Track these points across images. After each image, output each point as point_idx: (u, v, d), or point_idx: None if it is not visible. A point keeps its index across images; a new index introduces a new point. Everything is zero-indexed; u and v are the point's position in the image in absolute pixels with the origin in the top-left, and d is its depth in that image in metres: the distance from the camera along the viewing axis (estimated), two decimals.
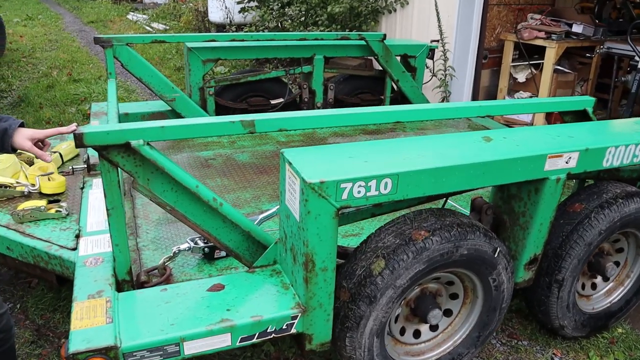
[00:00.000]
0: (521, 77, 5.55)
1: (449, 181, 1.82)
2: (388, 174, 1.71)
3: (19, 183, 2.72)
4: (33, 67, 7.81)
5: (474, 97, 5.49)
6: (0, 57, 7.70)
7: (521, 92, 5.61)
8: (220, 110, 4.12)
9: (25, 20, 12.08)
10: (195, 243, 2.22)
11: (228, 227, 1.99)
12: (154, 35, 4.02)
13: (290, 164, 1.74)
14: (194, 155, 3.48)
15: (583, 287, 2.59)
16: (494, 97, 5.75)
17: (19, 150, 2.73)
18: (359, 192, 1.69)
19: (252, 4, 6.69)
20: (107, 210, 1.87)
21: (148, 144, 1.77)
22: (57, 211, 2.52)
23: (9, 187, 2.68)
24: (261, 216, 2.38)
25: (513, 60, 5.53)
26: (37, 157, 1.96)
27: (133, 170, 1.81)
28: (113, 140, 1.73)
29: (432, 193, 1.83)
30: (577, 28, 5.23)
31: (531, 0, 5.73)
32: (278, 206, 2.44)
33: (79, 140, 1.69)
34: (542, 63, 5.24)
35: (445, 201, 2.33)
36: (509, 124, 5.35)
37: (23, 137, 1.81)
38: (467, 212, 2.48)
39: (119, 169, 1.81)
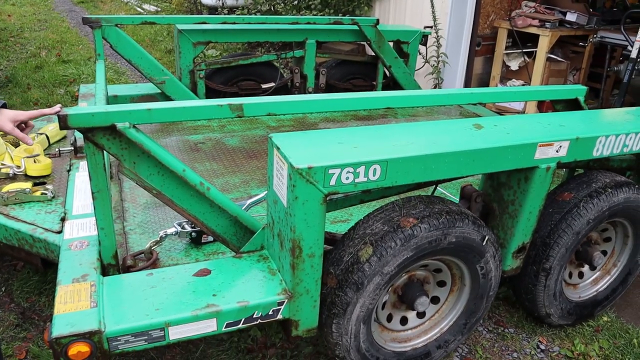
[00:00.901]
0: (514, 65, 5.53)
1: (438, 168, 1.81)
2: (377, 160, 1.70)
3: (4, 165, 2.68)
4: (21, 47, 7.68)
5: (467, 85, 5.47)
6: None
7: (513, 80, 5.59)
8: (210, 94, 4.07)
9: None
10: (183, 227, 2.20)
11: (215, 212, 1.97)
12: (144, 16, 3.96)
13: (278, 148, 1.72)
14: (183, 139, 3.45)
15: (570, 275, 2.60)
16: (487, 85, 5.74)
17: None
18: (347, 178, 1.67)
19: None
20: (93, 193, 1.84)
21: (134, 126, 1.74)
22: (42, 194, 2.49)
23: None
24: (249, 201, 2.36)
25: (506, 48, 5.51)
26: (18, 140, 1.93)
27: (119, 154, 1.78)
28: (98, 123, 1.70)
29: (421, 180, 1.82)
30: (571, 16, 5.21)
31: None
32: (266, 192, 2.42)
33: (64, 122, 1.66)
34: (535, 51, 5.23)
35: (435, 188, 2.32)
36: (501, 111, 5.35)
37: (5, 118, 1.77)
38: (456, 199, 2.47)
39: (104, 151, 1.78)
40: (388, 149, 1.76)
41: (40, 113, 1.95)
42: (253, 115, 1.82)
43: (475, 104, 4.30)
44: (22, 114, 1.85)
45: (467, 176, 1.96)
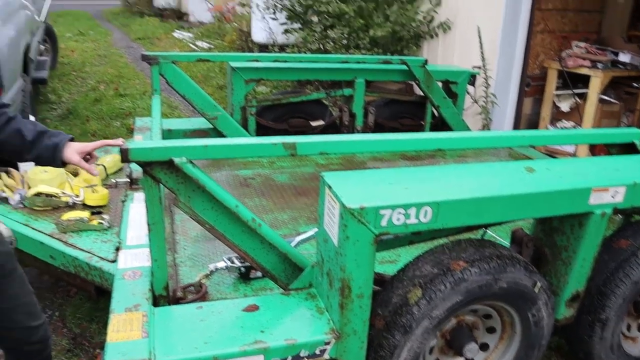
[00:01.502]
0: (565, 106, 5.45)
1: (489, 212, 1.79)
2: (428, 202, 1.69)
3: (64, 193, 2.79)
4: (82, 80, 8.08)
5: (516, 125, 5.41)
6: (52, 71, 7.99)
7: (564, 121, 5.50)
8: (261, 130, 4.17)
9: (77, 35, 12.54)
10: (232, 262, 2.23)
11: (265, 248, 2.00)
12: (199, 54, 4.13)
13: (330, 187, 1.74)
14: (234, 174, 3.53)
15: (629, 328, 2.49)
16: (536, 126, 5.65)
17: None
18: (398, 219, 1.68)
19: (296, 26, 6.78)
20: (148, 225, 1.90)
21: (191, 161, 1.80)
22: (99, 223, 2.58)
23: (55, 197, 2.76)
24: (298, 238, 2.38)
25: (556, 89, 5.43)
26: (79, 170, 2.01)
27: (175, 187, 1.84)
28: (157, 157, 1.77)
29: (472, 223, 1.80)
30: (624, 57, 5.12)
31: (576, 27, 5.64)
32: (316, 229, 2.44)
33: (125, 156, 1.73)
34: (587, 92, 5.14)
35: (485, 231, 2.29)
36: (551, 154, 5.24)
37: (73, 150, 1.86)
38: (507, 243, 2.42)
39: (161, 185, 1.84)
40: (439, 191, 1.76)
41: (104, 143, 2.04)
42: (306, 153, 1.86)
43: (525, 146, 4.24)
44: (88, 146, 1.94)
45: (518, 220, 1.93)
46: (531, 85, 5.50)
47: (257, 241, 1.98)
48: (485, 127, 5.11)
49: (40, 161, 1.84)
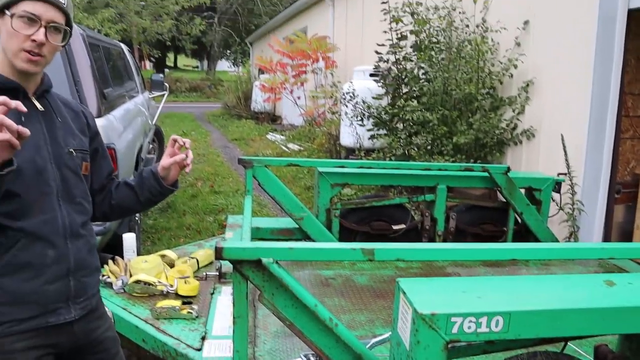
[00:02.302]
0: None
1: (564, 325, 1.79)
2: (499, 311, 1.73)
3: (160, 282, 3.05)
4: (182, 177, 8.74)
5: (606, 234, 5.22)
6: None
7: None
8: (344, 232, 4.33)
9: (181, 135, 13.72)
10: (308, 359, 2.32)
11: (341, 348, 2.08)
12: (290, 159, 4.46)
13: (404, 293, 1.83)
14: (316, 273, 3.67)
15: None
16: (629, 234, 5.42)
17: (162, 253, 3.10)
18: (469, 327, 1.72)
19: (382, 132, 7.12)
20: (234, 318, 2.06)
21: (277, 262, 1.98)
22: (188, 312, 2.78)
23: (152, 285, 3.02)
24: (373, 341, 2.43)
25: None
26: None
27: (261, 285, 2.01)
28: (247, 256, 1.96)
29: (547, 335, 1.80)
30: None
31: None
32: (390, 332, 2.49)
33: (219, 253, 1.93)
34: None
35: (565, 345, 2.24)
36: None
37: (162, 165, 1.99)
38: (590, 359, 2.34)
39: (248, 281, 2.02)
40: (511, 301, 1.80)
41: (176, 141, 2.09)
42: (383, 259, 1.98)
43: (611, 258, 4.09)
44: (168, 152, 2.03)
45: (600, 335, 1.90)
46: (622, 192, 5.35)
47: (333, 340, 2.07)
48: (572, 234, 4.98)
49: (152, 194, 1.99)
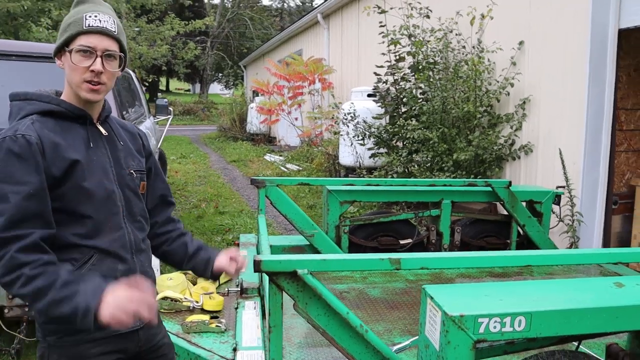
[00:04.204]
0: None
1: (580, 323, 1.94)
2: (522, 312, 1.89)
3: (186, 299, 3.18)
4: (185, 199, 8.90)
5: (605, 243, 5.40)
6: None
7: None
8: (352, 247, 4.48)
9: (179, 158, 13.89)
10: None
11: (370, 353, 2.22)
12: (301, 178, 4.61)
13: (432, 298, 1.98)
14: (329, 287, 3.80)
15: None
16: (627, 243, 5.60)
17: (184, 271, 3.21)
18: (494, 327, 1.87)
19: (382, 150, 7.30)
20: (269, 327, 2.20)
21: (311, 273, 2.12)
22: (217, 326, 2.91)
23: (178, 301, 3.15)
24: (398, 346, 2.58)
25: None
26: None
27: (295, 295, 2.15)
28: (283, 268, 2.10)
29: (564, 333, 1.95)
30: None
31: None
32: (412, 338, 2.63)
33: (257, 266, 2.08)
34: None
35: (579, 345, 2.39)
36: None
37: (218, 264, 2.14)
38: (602, 359, 2.49)
39: (283, 292, 2.16)
40: (531, 303, 1.96)
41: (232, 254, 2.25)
42: (409, 268, 2.13)
43: (615, 263, 4.26)
44: (229, 252, 2.20)
45: (611, 333, 2.05)
46: (619, 203, 5.54)
47: (363, 346, 2.22)
48: (573, 245, 5.16)
49: (194, 271, 2.14)
